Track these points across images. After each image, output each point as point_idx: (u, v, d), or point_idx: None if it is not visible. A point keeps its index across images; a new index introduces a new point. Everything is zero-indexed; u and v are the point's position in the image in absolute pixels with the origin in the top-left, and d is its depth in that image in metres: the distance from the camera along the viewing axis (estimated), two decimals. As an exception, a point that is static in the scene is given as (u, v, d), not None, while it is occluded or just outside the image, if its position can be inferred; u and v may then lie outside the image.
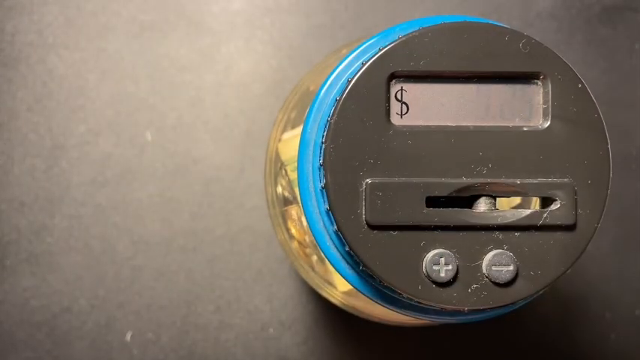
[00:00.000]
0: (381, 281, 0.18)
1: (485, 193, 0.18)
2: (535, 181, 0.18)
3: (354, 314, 0.28)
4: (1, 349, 0.33)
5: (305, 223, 0.24)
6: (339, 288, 0.27)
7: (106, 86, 0.34)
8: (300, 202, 0.21)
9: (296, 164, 0.20)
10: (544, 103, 0.19)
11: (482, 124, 0.19)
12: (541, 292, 0.18)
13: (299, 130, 0.25)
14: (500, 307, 0.18)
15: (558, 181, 0.18)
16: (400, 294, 0.18)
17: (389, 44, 0.18)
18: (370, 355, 0.34)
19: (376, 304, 0.20)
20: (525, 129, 0.18)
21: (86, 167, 0.34)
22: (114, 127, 0.34)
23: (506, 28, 0.19)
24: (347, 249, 0.18)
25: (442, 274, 0.18)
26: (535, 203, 0.20)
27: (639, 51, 0.36)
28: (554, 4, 0.36)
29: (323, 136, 0.19)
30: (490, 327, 0.34)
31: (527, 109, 0.19)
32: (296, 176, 0.20)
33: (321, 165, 0.18)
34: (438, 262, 0.18)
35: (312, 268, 0.28)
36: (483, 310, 0.19)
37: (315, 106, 0.20)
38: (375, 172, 0.18)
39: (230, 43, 0.35)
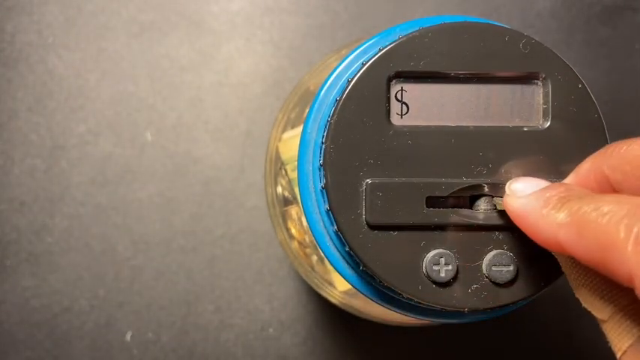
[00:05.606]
0: (381, 281, 0.18)
1: (485, 193, 0.18)
2: (535, 182, 0.18)
3: (353, 314, 0.28)
4: (1, 349, 0.33)
5: (305, 223, 0.24)
6: (339, 288, 0.27)
7: (106, 86, 0.34)
8: (300, 202, 0.21)
9: (296, 164, 0.20)
10: (544, 104, 0.19)
11: (482, 125, 0.19)
12: (541, 292, 0.18)
13: (299, 129, 0.25)
14: (500, 307, 0.18)
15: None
16: (400, 294, 0.18)
17: (389, 44, 0.18)
18: (370, 355, 0.34)
19: (376, 304, 0.20)
20: (525, 129, 0.18)
21: (86, 167, 0.34)
22: (114, 127, 0.34)
23: (506, 28, 0.19)
24: (347, 249, 0.18)
25: (442, 274, 0.18)
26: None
27: (639, 51, 0.36)
28: (554, 4, 0.36)
29: (323, 136, 0.18)
30: (490, 327, 0.34)
31: (527, 109, 0.19)
32: (296, 176, 0.20)
33: (321, 165, 0.18)
34: (438, 262, 0.18)
35: (312, 268, 0.28)
36: (483, 311, 0.19)
37: (316, 106, 0.20)
38: (375, 172, 0.18)
39: (230, 43, 0.35)
